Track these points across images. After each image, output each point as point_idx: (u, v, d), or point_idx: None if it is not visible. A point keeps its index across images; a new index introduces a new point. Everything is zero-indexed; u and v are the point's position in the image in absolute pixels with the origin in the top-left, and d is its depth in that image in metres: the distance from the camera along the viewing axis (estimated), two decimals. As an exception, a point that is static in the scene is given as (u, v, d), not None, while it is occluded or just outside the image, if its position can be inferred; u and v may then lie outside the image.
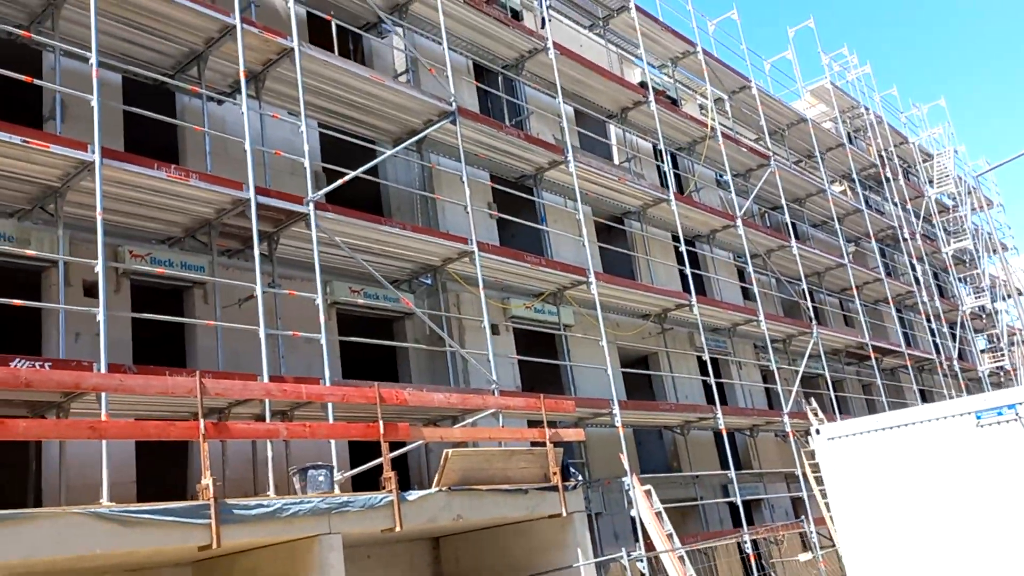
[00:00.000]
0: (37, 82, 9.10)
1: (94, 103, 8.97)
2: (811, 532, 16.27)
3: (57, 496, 8.92)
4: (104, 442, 8.07)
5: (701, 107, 23.38)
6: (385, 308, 13.65)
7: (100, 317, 8.44)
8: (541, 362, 15.21)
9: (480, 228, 13.76)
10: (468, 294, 14.32)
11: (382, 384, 9.91)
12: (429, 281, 13.90)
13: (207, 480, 7.64)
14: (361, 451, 12.52)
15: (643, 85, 20.14)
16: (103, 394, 8.09)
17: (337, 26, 13.85)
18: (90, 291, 10.38)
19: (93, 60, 9.13)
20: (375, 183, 14.44)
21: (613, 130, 20.29)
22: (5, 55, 9.85)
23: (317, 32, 14.20)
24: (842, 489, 10.61)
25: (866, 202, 28.52)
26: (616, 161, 20.10)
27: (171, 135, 12.18)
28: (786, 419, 18.34)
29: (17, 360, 7.77)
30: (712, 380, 16.67)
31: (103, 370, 8.16)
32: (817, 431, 11.33)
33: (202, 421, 7.78)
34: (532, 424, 13.68)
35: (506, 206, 16.17)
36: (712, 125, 20.56)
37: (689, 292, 17.41)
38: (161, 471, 11.05)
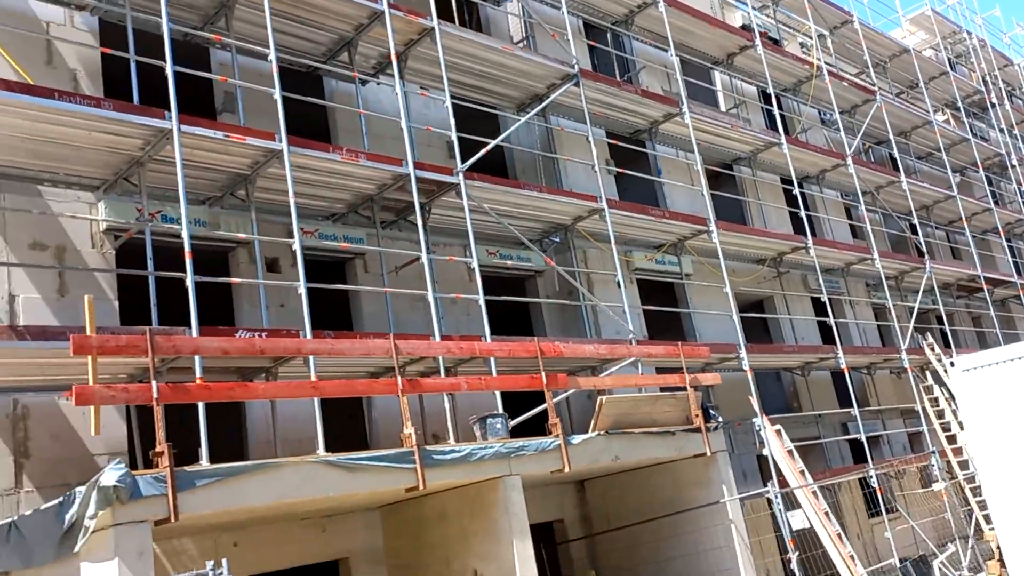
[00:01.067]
0: (232, 81, 10.08)
1: (277, 96, 9.91)
2: (935, 465, 16.65)
3: (270, 449, 10.08)
4: (315, 399, 9.13)
5: (802, 45, 23.20)
6: (518, 267, 14.47)
7: (301, 290, 9.48)
8: (665, 311, 15.85)
9: (605, 184, 14.37)
10: (594, 250, 15.02)
11: (540, 339, 10.77)
12: (558, 239, 14.62)
13: (409, 429, 8.66)
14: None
15: (745, 28, 20.20)
16: (311, 358, 9.14)
17: (457, -2, 14.51)
18: (271, 267, 11.50)
19: (272, 56, 10.06)
20: (498, 147, 15.14)
21: (718, 76, 20.46)
22: (177, 54, 10.80)
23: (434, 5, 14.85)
24: (980, 419, 11.02)
25: (971, 130, 27.86)
26: (722, 107, 20.31)
27: (320, 117, 13.10)
28: (904, 355, 18.59)
29: (240, 331, 8.85)
30: (832, 320, 17.04)
31: (308, 336, 9.19)
32: (952, 363, 11.72)
33: (399, 378, 8.77)
34: (660, 371, 14.41)
35: (618, 160, 16.71)
36: (817, 63, 20.50)
37: (804, 234, 17.70)
38: (339, 425, 12.18)
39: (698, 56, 19.02)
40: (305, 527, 10.54)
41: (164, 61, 9.28)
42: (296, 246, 9.64)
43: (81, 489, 7.02)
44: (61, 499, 7.34)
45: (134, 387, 7.34)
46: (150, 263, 9.20)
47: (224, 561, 5.96)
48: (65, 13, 10.52)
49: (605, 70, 17.61)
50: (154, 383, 7.18)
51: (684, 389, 11.96)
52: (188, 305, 8.71)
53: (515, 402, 11.47)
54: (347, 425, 12.38)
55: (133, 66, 9.52)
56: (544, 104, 14.13)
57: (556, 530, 13.23)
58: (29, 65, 9.68)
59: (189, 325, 8.72)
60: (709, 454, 11.76)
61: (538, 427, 11.71)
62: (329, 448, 10.74)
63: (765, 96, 21.08)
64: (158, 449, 7.09)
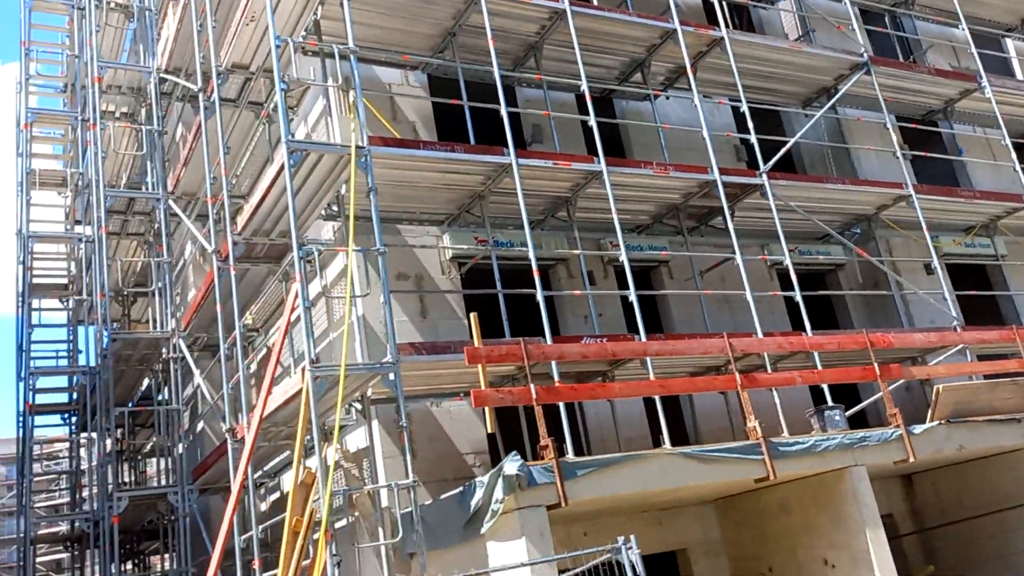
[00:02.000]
0: (554, 114, 11.13)
1: (592, 122, 10.76)
2: None
3: (605, 447, 10.84)
4: (657, 397, 9.73)
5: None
6: (819, 262, 14.36)
7: (632, 298, 10.18)
8: (979, 295, 15.00)
9: (899, 171, 13.94)
10: (897, 238, 14.57)
11: (869, 330, 10.71)
12: (859, 231, 14.34)
13: (753, 422, 9.02)
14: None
15: (1038, -14, 18.60)
16: (648, 359, 9.79)
17: (729, 4, 14.78)
18: (588, 279, 12.36)
19: (584, 87, 10.98)
20: (781, 143, 15.13)
21: (1011, 44, 18.99)
22: (486, 94, 11.92)
23: (705, 14, 15.18)
24: None
25: None
26: (1019, 76, 18.79)
27: (613, 136, 13.89)
28: None
29: (585, 338, 9.71)
30: None
31: (642, 340, 9.85)
32: None
33: (737, 374, 9.17)
34: (980, 358, 13.62)
35: (908, 144, 16.04)
36: None
37: None
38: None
39: (988, 26, 17.83)
40: (644, 520, 11.16)
41: (486, 105, 10.49)
42: (623, 257, 10.39)
43: (481, 480, 8.10)
44: (461, 489, 8.50)
45: (516, 390, 8.34)
46: (498, 283, 10.33)
47: (632, 537, 6.65)
48: (401, 74, 12.11)
49: (885, 54, 17.00)
50: (532, 386, 8.14)
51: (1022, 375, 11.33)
52: (517, 319, 9.74)
53: (819, 395, 11.52)
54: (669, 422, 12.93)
55: (467, 112, 10.77)
56: (837, 96, 13.96)
57: (886, 525, 12.88)
58: (377, 121, 11.27)
59: (517, 336, 9.73)
60: (1064, 442, 11.00)
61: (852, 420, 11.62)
62: (655, 444, 11.35)
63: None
64: (543, 443, 8.01)
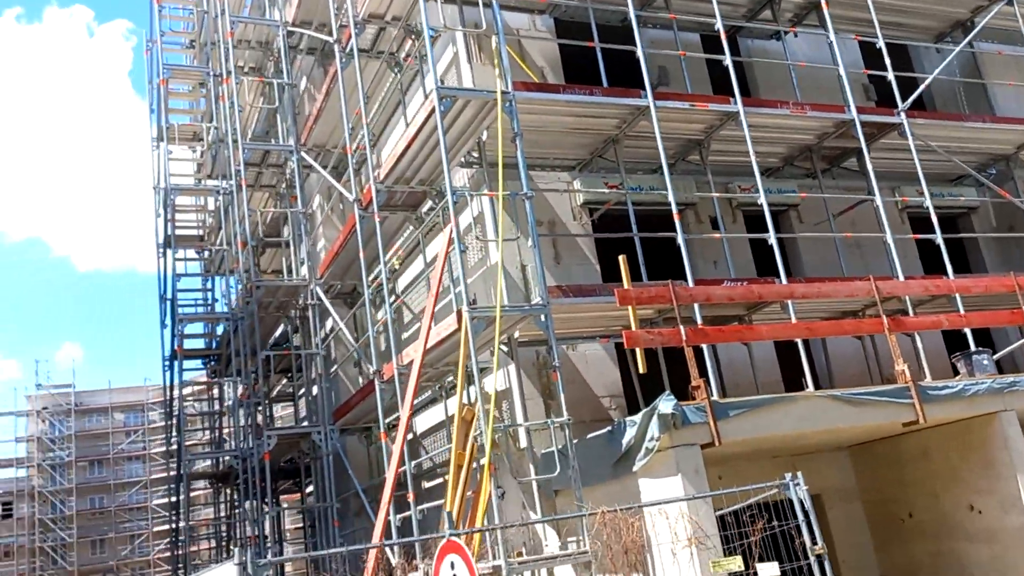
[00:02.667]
0: (691, 55, 10.99)
1: (728, 62, 10.63)
2: None
3: (740, 391, 10.90)
4: (799, 341, 9.70)
5: None
6: (950, 205, 13.90)
7: (772, 241, 10.13)
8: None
9: (1039, 107, 13.35)
10: (1033, 178, 13.99)
11: (1018, 273, 10.40)
12: (994, 171, 13.80)
13: (902, 366, 8.92)
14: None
15: None
16: (789, 303, 9.75)
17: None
18: (715, 224, 12.30)
19: (719, 25, 10.79)
20: (912, 81, 14.58)
21: None
22: (610, 37, 11.82)
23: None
24: None
25: None
26: None
27: (740, 75, 13.60)
28: None
29: (726, 281, 9.72)
30: None
31: (784, 282, 9.80)
32: None
33: (884, 317, 9.06)
34: None
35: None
36: None
37: None
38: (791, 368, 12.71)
39: None
40: (777, 465, 11.12)
41: (619, 47, 10.46)
42: (762, 200, 10.31)
43: (632, 419, 8.29)
44: (610, 428, 8.71)
45: (666, 331, 8.46)
46: (634, 227, 10.39)
47: (799, 474, 6.75)
48: (529, 19, 12.12)
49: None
50: (681, 327, 8.23)
51: None
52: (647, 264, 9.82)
53: (953, 342, 11.27)
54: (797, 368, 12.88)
55: (599, 55, 10.74)
56: (977, 29, 13.36)
57: None
58: (511, 67, 11.34)
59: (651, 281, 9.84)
60: None
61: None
62: (788, 389, 11.30)
63: None
64: (695, 383, 8.13)
